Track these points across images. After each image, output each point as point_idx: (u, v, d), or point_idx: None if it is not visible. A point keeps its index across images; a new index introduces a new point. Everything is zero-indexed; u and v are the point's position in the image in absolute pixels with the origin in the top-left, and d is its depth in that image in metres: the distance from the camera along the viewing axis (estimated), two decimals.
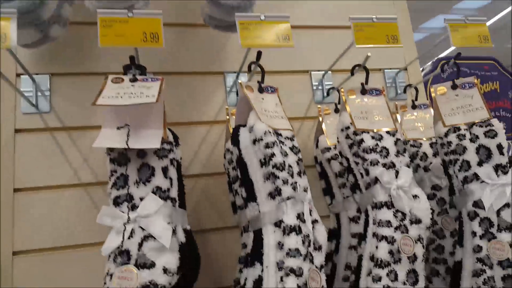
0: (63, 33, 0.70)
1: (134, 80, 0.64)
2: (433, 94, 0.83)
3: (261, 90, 0.72)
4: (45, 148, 0.77)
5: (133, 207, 0.58)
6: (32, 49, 0.74)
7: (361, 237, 0.72)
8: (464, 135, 0.77)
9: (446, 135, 0.78)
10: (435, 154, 0.88)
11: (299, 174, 0.69)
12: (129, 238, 0.57)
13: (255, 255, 0.65)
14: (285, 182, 0.65)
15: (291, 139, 0.71)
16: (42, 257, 0.73)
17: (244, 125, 0.68)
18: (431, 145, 0.89)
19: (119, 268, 0.55)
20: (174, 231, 0.60)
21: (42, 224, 0.74)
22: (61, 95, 0.79)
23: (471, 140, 0.76)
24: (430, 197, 0.84)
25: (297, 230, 0.63)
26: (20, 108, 0.77)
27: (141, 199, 0.59)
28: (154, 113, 0.63)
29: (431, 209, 0.84)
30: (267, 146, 0.66)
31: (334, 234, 0.83)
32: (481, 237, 0.71)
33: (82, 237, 0.74)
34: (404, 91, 0.98)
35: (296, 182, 0.67)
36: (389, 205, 0.71)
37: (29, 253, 0.73)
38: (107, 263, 0.57)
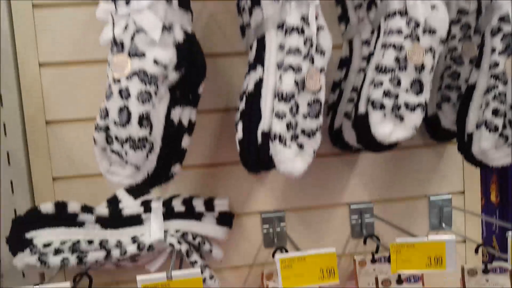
0: None
1: None
2: None
3: None
4: None
5: (127, 2, 0.56)
6: None
7: (370, 55, 0.66)
8: None
9: None
10: None
11: None
12: (123, 32, 0.55)
13: (257, 60, 0.62)
14: None
15: None
16: (64, 69, 0.75)
17: None
18: None
19: (114, 56, 0.55)
20: (170, 29, 0.57)
21: (62, 38, 0.74)
22: None
23: None
24: (454, 22, 0.73)
25: (299, 30, 0.58)
26: None
27: None
28: None
29: (453, 34, 0.75)
30: None
31: (345, 63, 0.77)
32: (500, 53, 0.63)
33: (96, 53, 0.74)
34: None
35: None
36: (402, 12, 0.62)
37: (53, 65, 0.75)
38: (108, 56, 0.56)
